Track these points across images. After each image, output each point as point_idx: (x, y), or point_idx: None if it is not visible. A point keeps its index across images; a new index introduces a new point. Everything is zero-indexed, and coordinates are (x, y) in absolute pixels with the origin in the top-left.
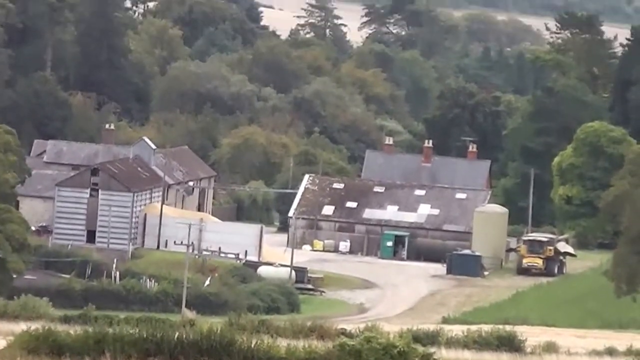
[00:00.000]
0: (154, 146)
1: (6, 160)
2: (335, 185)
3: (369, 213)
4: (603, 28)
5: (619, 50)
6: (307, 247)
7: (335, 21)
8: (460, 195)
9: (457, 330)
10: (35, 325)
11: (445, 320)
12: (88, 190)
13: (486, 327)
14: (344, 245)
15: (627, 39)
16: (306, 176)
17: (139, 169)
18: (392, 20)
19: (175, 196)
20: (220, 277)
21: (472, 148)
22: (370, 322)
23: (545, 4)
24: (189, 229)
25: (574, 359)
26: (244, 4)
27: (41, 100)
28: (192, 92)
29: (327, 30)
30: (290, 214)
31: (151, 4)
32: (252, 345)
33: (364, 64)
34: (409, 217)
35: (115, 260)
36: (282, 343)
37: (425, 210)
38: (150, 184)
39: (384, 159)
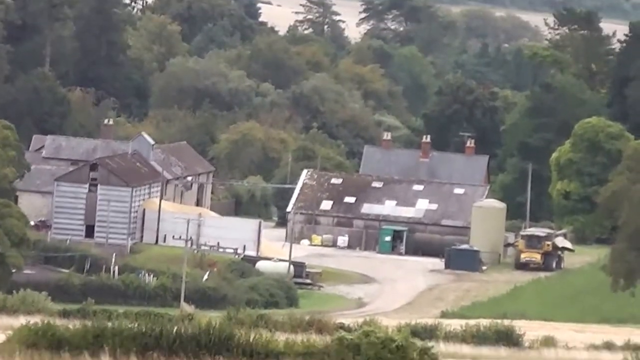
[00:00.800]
0: (152, 141)
1: (5, 155)
2: (334, 181)
3: (367, 208)
4: (601, 24)
5: (617, 46)
6: (305, 242)
7: (334, 17)
8: (458, 191)
9: (455, 324)
10: (34, 320)
11: (444, 315)
12: (87, 185)
13: (484, 322)
14: (342, 240)
15: (625, 35)
16: (304, 171)
17: (137, 164)
18: (390, 16)
19: (174, 191)
20: (218, 271)
21: (470, 143)
22: (368, 316)
23: (544, 0)
24: (188, 224)
25: (572, 354)
26: (243, 0)
27: (40, 96)
28: (191, 88)
29: (326, 27)
30: (289, 209)
31: (150, 0)
32: (251, 340)
33: (362, 60)
34: (407, 212)
35: (114, 255)
36: (281, 337)
37: (423, 205)
38: (149, 179)
39: (382, 154)
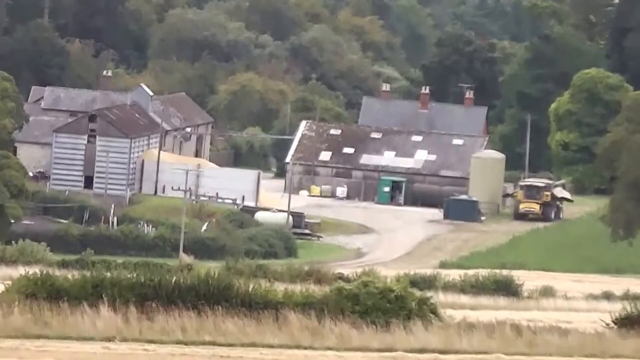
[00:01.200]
0: (151, 93)
1: (4, 106)
2: (333, 131)
3: (366, 159)
4: None
5: None
6: (304, 193)
7: None
8: (457, 141)
9: (454, 274)
10: (33, 270)
11: (442, 265)
12: (86, 137)
13: (483, 272)
14: (341, 191)
15: None
16: (303, 122)
17: (136, 115)
18: None
19: (173, 142)
20: (217, 222)
21: (469, 94)
22: (367, 266)
23: None
24: (187, 175)
25: (571, 303)
26: None
27: (39, 47)
28: (190, 39)
29: None
30: (288, 159)
31: None
32: (250, 290)
33: (361, 11)
34: (406, 163)
35: (112, 206)
36: (280, 288)
37: (422, 156)
38: (148, 130)
39: (381, 105)
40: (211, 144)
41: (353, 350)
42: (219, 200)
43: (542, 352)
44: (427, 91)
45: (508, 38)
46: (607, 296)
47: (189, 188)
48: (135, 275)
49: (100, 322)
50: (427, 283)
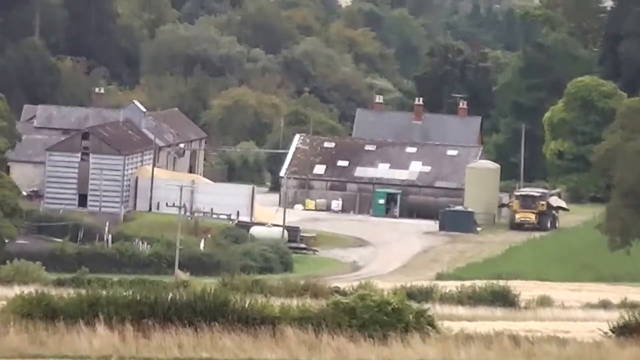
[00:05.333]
0: (144, 109)
1: None
2: (326, 145)
3: (361, 171)
4: None
5: (608, 4)
6: (299, 207)
7: None
8: (451, 152)
9: (451, 286)
10: (28, 290)
11: (439, 277)
12: (79, 154)
13: (480, 283)
14: (336, 204)
15: None
16: (297, 136)
17: (129, 132)
18: None
19: (167, 158)
20: (212, 238)
21: (463, 105)
22: (363, 279)
23: None
24: (181, 191)
25: (569, 313)
26: None
27: (30, 65)
28: (182, 54)
29: None
30: (282, 173)
31: None
32: (246, 305)
33: (353, 23)
34: (400, 175)
35: (107, 224)
36: (276, 302)
37: (416, 167)
38: (141, 146)
39: (374, 117)
40: (205, 159)
41: None
42: (214, 216)
43: None
44: (421, 102)
45: (501, 47)
46: (605, 305)
47: (184, 204)
48: (131, 292)
49: (97, 341)
50: (424, 295)
